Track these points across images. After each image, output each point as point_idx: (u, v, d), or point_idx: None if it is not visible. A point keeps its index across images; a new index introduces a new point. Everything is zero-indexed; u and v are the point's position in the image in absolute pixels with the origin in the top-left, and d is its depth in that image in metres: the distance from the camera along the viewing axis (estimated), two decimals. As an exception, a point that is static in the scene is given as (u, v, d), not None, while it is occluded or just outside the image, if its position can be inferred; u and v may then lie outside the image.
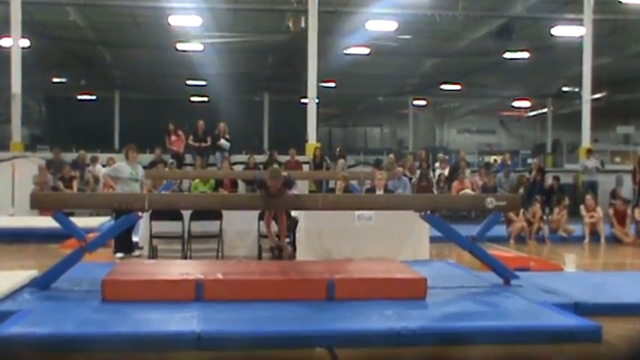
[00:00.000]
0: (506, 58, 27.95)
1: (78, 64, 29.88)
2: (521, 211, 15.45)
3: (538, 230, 16.00)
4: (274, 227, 11.03)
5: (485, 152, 42.98)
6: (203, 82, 32.93)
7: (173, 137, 21.81)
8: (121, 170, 12.96)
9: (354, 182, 17.12)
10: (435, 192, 20.10)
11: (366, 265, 9.82)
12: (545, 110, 41.34)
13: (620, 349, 7.00)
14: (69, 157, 20.87)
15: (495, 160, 31.36)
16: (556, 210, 16.99)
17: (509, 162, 24.97)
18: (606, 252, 15.29)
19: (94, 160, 20.67)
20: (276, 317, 7.41)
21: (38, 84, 30.61)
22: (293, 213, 12.15)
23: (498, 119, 48.47)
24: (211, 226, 12.08)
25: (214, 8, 22.67)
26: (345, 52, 26.95)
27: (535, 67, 30.20)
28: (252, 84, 34.82)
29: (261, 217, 11.98)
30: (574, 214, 17.02)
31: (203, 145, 21.42)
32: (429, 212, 9.77)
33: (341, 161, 21.31)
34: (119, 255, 12.32)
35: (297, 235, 12.08)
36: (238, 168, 20.64)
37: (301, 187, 18.04)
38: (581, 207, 16.49)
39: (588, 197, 16.86)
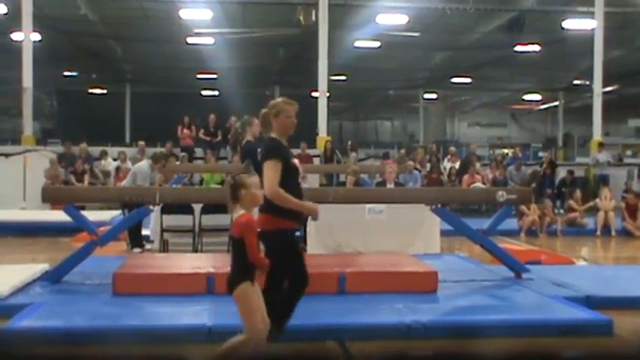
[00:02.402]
0: (517, 52, 27.84)
1: (89, 58, 29.90)
2: (533, 204, 15.42)
3: (549, 224, 15.96)
4: None
5: (496, 145, 42.90)
6: (214, 76, 32.92)
7: (186, 130, 21.87)
8: (142, 171, 12.86)
9: (364, 176, 17.11)
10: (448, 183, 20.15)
11: (376, 259, 9.83)
12: (556, 103, 41.21)
13: (632, 342, 6.99)
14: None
15: (507, 154, 31.29)
16: (571, 202, 16.97)
17: (520, 155, 24.95)
18: (617, 245, 15.24)
19: (104, 155, 20.72)
20: (287, 311, 7.42)
21: (49, 78, 30.63)
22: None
23: (509, 112, 48.37)
24: (222, 219, 12.03)
25: (225, 2, 22.68)
26: (356, 45, 26.91)
27: (546, 61, 30.08)
28: (263, 78, 34.82)
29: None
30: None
31: (215, 140, 21.48)
32: (439, 205, 9.76)
33: (353, 155, 21.31)
34: (137, 250, 12.30)
35: (307, 229, 12.08)
36: (249, 162, 20.59)
37: (312, 181, 18.04)
38: (597, 200, 16.50)
39: (607, 189, 16.91)
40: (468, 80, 36.15)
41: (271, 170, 5.86)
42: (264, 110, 6.33)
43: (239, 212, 5.65)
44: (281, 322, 6.08)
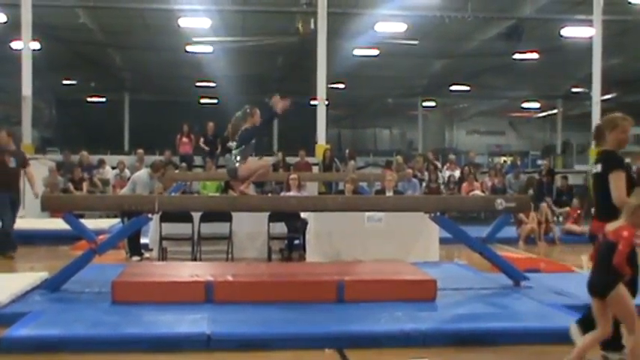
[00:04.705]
0: (516, 59, 27.89)
1: (88, 67, 29.95)
2: (532, 212, 15.43)
3: (547, 231, 15.96)
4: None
5: (495, 153, 42.89)
6: (213, 84, 32.94)
7: (184, 139, 21.85)
8: (141, 180, 12.84)
9: (363, 184, 17.10)
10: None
11: (375, 267, 9.83)
12: (554, 111, 41.23)
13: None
14: (79, 159, 20.91)
15: (505, 161, 31.28)
16: (567, 209, 17.05)
17: (518, 163, 24.95)
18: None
19: (102, 163, 20.70)
20: (286, 319, 7.42)
21: (48, 86, 30.69)
22: (302, 214, 12.18)
23: (508, 120, 48.36)
24: (221, 227, 12.09)
25: (224, 10, 22.68)
26: (355, 53, 26.95)
27: (544, 68, 30.13)
28: (262, 86, 34.78)
29: (270, 220, 12.02)
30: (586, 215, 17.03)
31: (216, 152, 21.37)
32: (438, 213, 9.77)
33: (351, 163, 21.30)
34: (135, 258, 12.29)
35: (306, 237, 12.10)
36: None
37: (311, 189, 18.04)
38: (592, 209, 16.52)
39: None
40: (467, 88, 36.19)
41: (620, 181, 6.35)
42: (598, 122, 6.80)
43: (621, 223, 5.86)
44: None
